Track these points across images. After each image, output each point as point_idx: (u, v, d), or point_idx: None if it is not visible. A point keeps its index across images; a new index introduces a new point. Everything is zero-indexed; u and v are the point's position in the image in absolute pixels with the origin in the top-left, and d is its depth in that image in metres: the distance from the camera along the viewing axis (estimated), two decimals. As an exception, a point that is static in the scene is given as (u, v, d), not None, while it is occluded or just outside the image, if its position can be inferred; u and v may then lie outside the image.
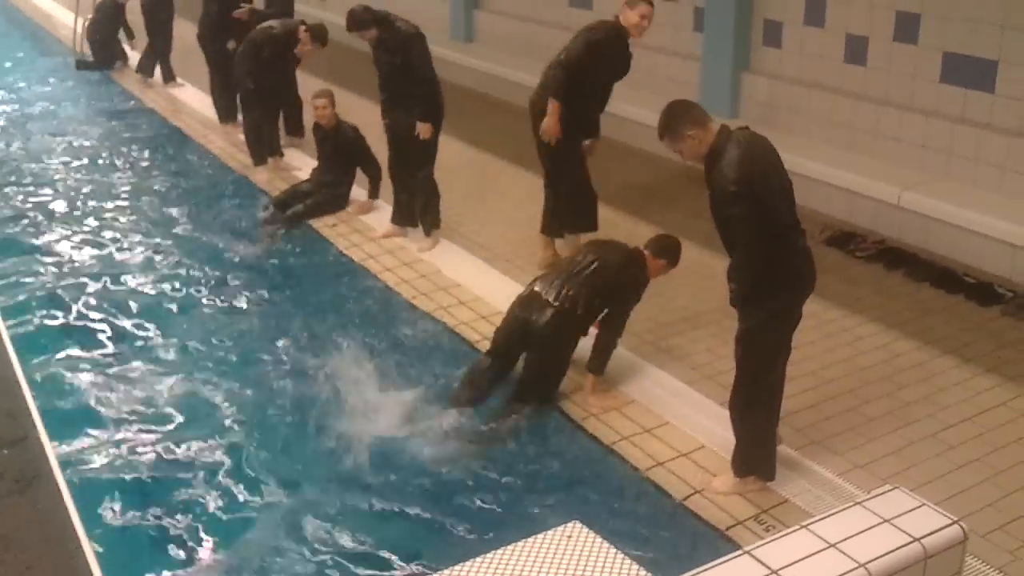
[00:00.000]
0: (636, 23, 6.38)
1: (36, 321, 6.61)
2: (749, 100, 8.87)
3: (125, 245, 7.90)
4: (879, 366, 5.65)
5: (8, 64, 14.61)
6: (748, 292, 4.24)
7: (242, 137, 9.66)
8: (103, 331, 6.48)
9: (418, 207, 7.48)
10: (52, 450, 3.93)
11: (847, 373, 5.58)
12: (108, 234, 8.12)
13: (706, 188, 4.24)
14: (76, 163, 9.97)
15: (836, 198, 7.63)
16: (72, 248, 7.84)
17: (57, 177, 9.52)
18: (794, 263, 4.30)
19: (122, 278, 7.28)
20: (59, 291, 7.04)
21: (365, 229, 7.87)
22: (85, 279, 7.25)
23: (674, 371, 5.63)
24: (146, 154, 10.23)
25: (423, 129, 7.08)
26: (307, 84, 9.56)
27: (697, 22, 9.38)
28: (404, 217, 7.61)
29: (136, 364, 6.02)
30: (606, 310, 5.35)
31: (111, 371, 5.93)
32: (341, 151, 8.12)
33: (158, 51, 12.40)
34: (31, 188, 9.21)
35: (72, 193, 9.06)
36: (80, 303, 6.87)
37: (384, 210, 7.93)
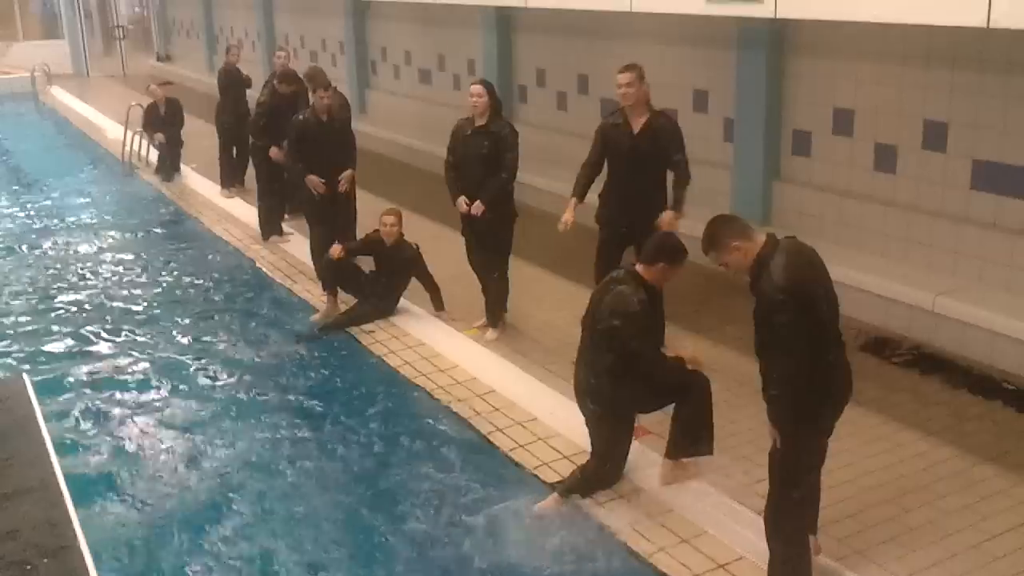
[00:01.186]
0: (619, 93, 6.69)
1: (79, 427, 6.71)
2: (780, 208, 8.96)
3: (165, 356, 8.03)
4: (918, 474, 5.58)
5: (56, 172, 15.10)
6: (789, 405, 4.22)
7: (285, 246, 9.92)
8: (143, 444, 6.56)
9: (488, 301, 7.76)
10: (91, 561, 3.95)
11: (886, 481, 5.51)
12: (153, 345, 8.26)
13: (752, 297, 4.26)
14: (120, 269, 10.22)
15: (870, 304, 7.63)
16: (116, 356, 7.98)
17: (100, 282, 9.75)
18: (834, 376, 4.29)
19: (161, 388, 7.39)
20: (99, 402, 7.15)
21: (401, 335, 7.96)
22: (126, 389, 7.37)
23: (712, 480, 5.59)
24: (189, 262, 10.47)
25: (476, 207, 7.30)
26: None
27: (727, 133, 9.55)
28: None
29: (173, 474, 6.06)
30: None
31: (154, 484, 5.99)
32: (397, 267, 8.23)
33: (230, 162, 12.65)
34: (73, 292, 9.43)
35: (117, 301, 9.26)
36: (118, 408, 6.98)
37: (420, 316, 8.02)
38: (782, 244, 4.26)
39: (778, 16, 6.22)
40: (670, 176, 6.78)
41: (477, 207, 7.25)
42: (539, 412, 6.52)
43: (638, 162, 6.68)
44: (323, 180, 8.70)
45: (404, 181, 12.66)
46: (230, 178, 12.68)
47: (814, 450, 4.42)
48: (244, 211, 11.73)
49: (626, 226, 6.78)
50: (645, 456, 5.76)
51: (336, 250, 8.14)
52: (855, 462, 5.65)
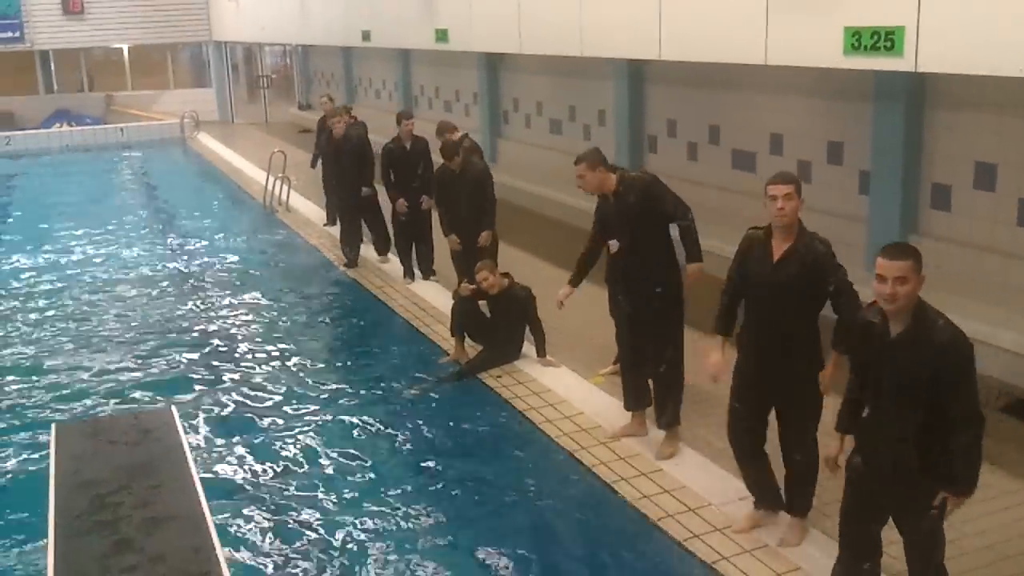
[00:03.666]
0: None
1: (222, 457, 7.01)
2: (917, 262, 8.75)
3: (301, 392, 8.31)
4: (1063, 543, 5.34)
5: (200, 212, 15.86)
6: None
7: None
8: (278, 479, 6.81)
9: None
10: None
11: (1026, 549, 5.30)
12: (289, 382, 8.57)
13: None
14: (260, 306, 10.67)
15: (1012, 363, 7.37)
16: (252, 391, 8.32)
17: (240, 318, 10.19)
18: None
19: (296, 425, 7.65)
20: (240, 435, 7.45)
21: (528, 380, 8.05)
22: (262, 425, 7.66)
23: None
24: (329, 302, 10.84)
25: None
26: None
27: (863, 185, 9.41)
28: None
29: (307, 505, 6.28)
30: None
31: (291, 515, 6.22)
32: (513, 313, 8.40)
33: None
34: (210, 326, 9.88)
35: (255, 337, 9.66)
36: (256, 439, 7.27)
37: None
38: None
39: (919, 70, 6.14)
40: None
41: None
42: (666, 464, 6.51)
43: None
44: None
45: (533, 229, 12.85)
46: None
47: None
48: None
49: None
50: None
51: (467, 289, 8.33)
52: (994, 528, 5.45)
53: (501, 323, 8.48)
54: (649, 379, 6.75)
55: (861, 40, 6.25)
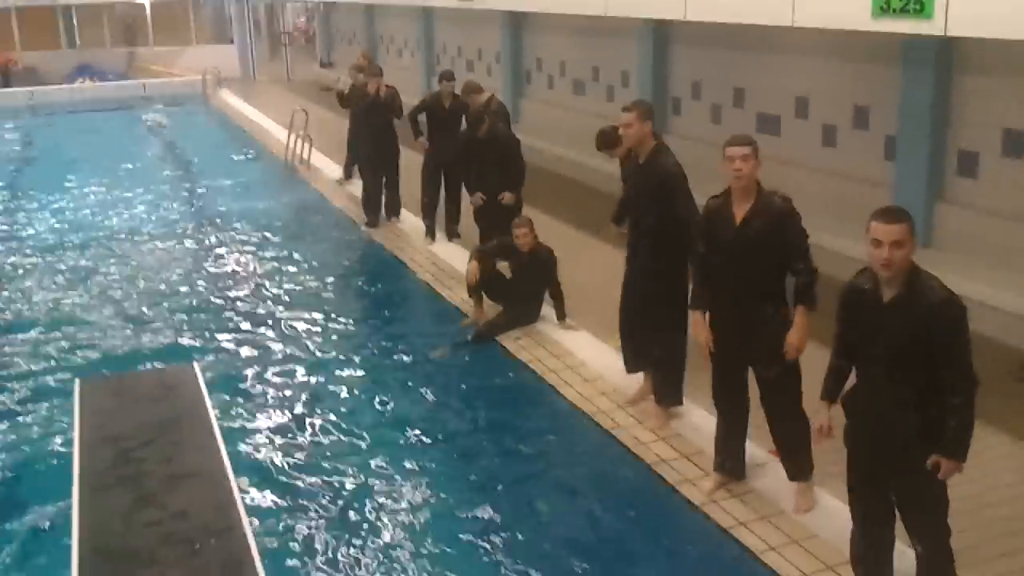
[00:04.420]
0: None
1: (244, 415, 7.08)
2: (943, 230, 8.68)
3: (324, 354, 8.36)
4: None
5: (221, 170, 15.91)
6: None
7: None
8: (300, 436, 6.88)
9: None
10: (253, 541, 4.18)
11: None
12: (312, 341, 8.62)
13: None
14: (282, 266, 10.71)
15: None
16: (277, 350, 8.37)
17: (261, 276, 10.25)
18: None
19: (318, 384, 7.71)
20: (262, 393, 7.52)
21: (548, 343, 8.07)
22: (286, 384, 7.73)
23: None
24: (350, 263, 10.88)
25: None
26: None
27: (889, 150, 9.31)
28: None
29: (333, 463, 6.34)
30: None
31: (309, 474, 6.28)
32: (536, 272, 8.36)
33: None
34: (235, 285, 9.95)
35: (281, 296, 9.71)
36: (279, 399, 7.34)
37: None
38: None
39: (948, 34, 6.05)
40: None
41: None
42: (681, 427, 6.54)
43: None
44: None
45: (554, 191, 12.81)
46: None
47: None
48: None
49: None
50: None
51: (473, 269, 8.32)
52: (1013, 499, 5.45)
53: (522, 284, 8.47)
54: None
55: (890, 2, 6.17)
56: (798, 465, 5.48)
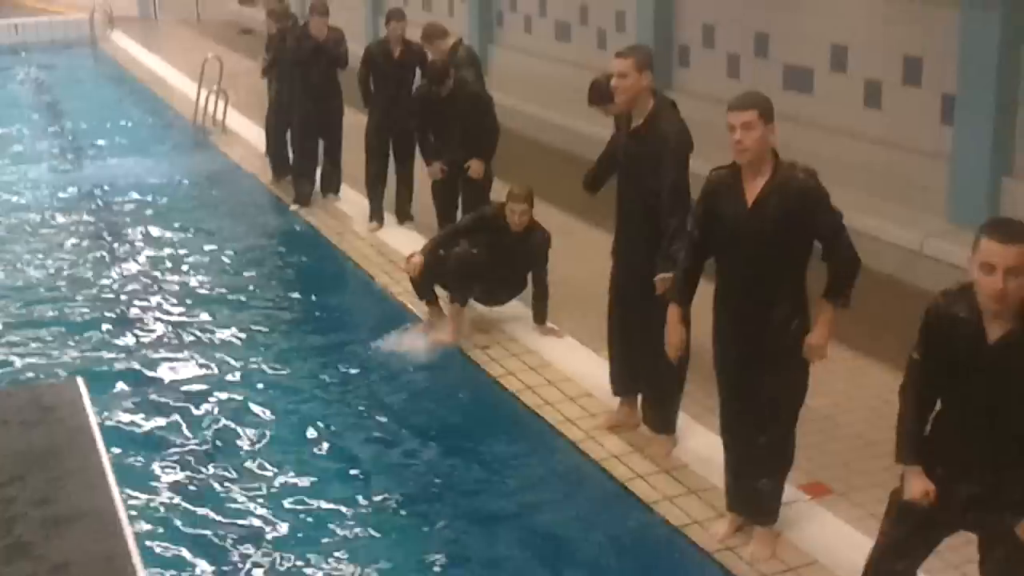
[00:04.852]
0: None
1: (139, 440, 7.06)
2: (1012, 210, 8.75)
3: (239, 359, 8.37)
4: None
5: (114, 137, 15.82)
6: None
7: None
8: (210, 466, 6.89)
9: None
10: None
11: None
12: (226, 352, 8.62)
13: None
14: (188, 253, 10.70)
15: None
16: (178, 356, 8.36)
17: (161, 267, 10.22)
18: None
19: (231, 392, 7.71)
20: (160, 410, 7.52)
21: (525, 353, 8.11)
22: (189, 395, 7.73)
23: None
24: (272, 246, 10.87)
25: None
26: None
27: (946, 113, 9.39)
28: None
29: (234, 491, 6.37)
30: None
31: (225, 509, 6.29)
32: (524, 257, 8.26)
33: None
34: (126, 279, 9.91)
35: (182, 287, 9.69)
36: (181, 417, 7.33)
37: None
38: None
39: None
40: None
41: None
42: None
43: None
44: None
45: (531, 159, 12.82)
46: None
47: None
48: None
49: None
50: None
51: (415, 263, 8.25)
52: None
53: (506, 268, 8.30)
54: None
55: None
56: (765, 505, 5.54)
